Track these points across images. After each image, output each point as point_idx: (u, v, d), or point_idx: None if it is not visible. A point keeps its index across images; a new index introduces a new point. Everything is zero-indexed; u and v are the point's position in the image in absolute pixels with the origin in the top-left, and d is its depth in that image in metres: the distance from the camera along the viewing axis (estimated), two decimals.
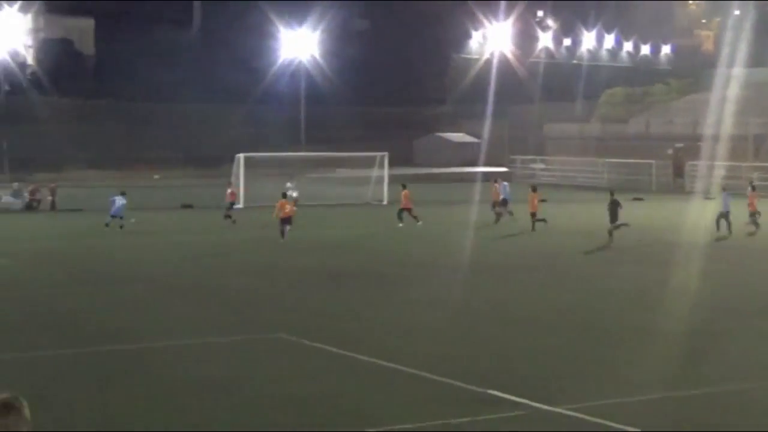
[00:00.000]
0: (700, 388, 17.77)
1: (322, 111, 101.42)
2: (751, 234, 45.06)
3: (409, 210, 49.18)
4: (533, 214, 47.24)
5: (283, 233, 42.49)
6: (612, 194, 44.06)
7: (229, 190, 52.18)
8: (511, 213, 50.86)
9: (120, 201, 46.99)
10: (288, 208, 43.61)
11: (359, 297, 28.43)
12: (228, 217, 49.78)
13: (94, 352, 20.70)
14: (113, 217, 46.63)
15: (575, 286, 30.86)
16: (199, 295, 28.52)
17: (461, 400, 16.82)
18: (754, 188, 49.18)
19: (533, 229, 46.56)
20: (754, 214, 46.79)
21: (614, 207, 42.86)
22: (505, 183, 53.65)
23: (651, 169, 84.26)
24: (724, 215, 44.95)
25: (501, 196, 51.78)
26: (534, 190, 48.11)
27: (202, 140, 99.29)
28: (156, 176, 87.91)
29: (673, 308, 26.01)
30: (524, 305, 26.80)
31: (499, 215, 51.09)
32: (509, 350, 20.91)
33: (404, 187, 51.07)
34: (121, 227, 46.14)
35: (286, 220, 42.86)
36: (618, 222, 42.61)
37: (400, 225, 48.08)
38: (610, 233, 42.20)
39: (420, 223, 48.30)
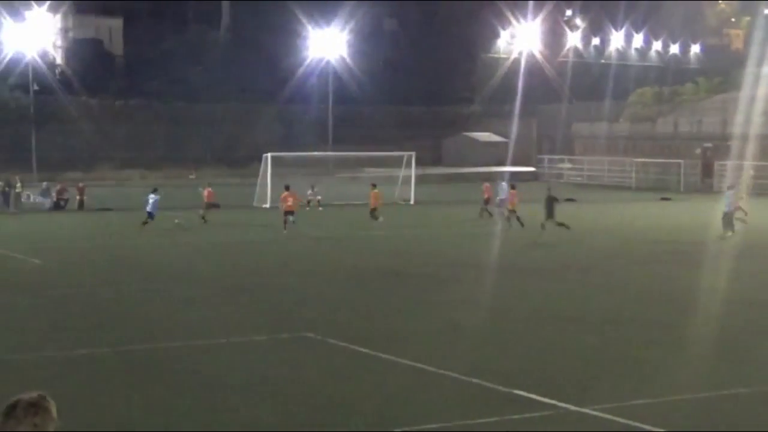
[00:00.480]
0: (730, 388, 17.66)
1: (350, 111, 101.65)
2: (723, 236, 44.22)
3: (374, 209, 51.09)
4: (512, 211, 47.92)
5: (285, 224, 45.07)
6: (549, 189, 44.42)
7: (206, 190, 51.93)
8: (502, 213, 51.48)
9: (153, 198, 47.03)
10: (290, 200, 45.77)
11: (383, 297, 28.33)
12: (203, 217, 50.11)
13: (114, 352, 20.79)
14: (150, 214, 46.72)
15: (599, 286, 30.80)
16: (220, 294, 28.58)
17: (487, 400, 16.76)
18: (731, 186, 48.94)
19: (522, 224, 46.63)
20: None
21: (551, 203, 42.97)
22: (504, 183, 55.79)
23: (680, 169, 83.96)
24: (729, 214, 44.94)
25: (499, 197, 53.58)
26: (513, 187, 49.62)
27: (231, 140, 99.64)
28: (192, 176, 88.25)
29: (702, 307, 25.92)
30: (551, 305, 26.73)
31: (498, 213, 52.35)
32: (535, 350, 20.82)
33: (374, 186, 52.87)
34: (144, 223, 46.26)
35: (288, 212, 45.40)
36: (555, 219, 42.58)
37: (381, 219, 50.06)
38: (543, 226, 42.34)
39: (381, 219, 50.11)
